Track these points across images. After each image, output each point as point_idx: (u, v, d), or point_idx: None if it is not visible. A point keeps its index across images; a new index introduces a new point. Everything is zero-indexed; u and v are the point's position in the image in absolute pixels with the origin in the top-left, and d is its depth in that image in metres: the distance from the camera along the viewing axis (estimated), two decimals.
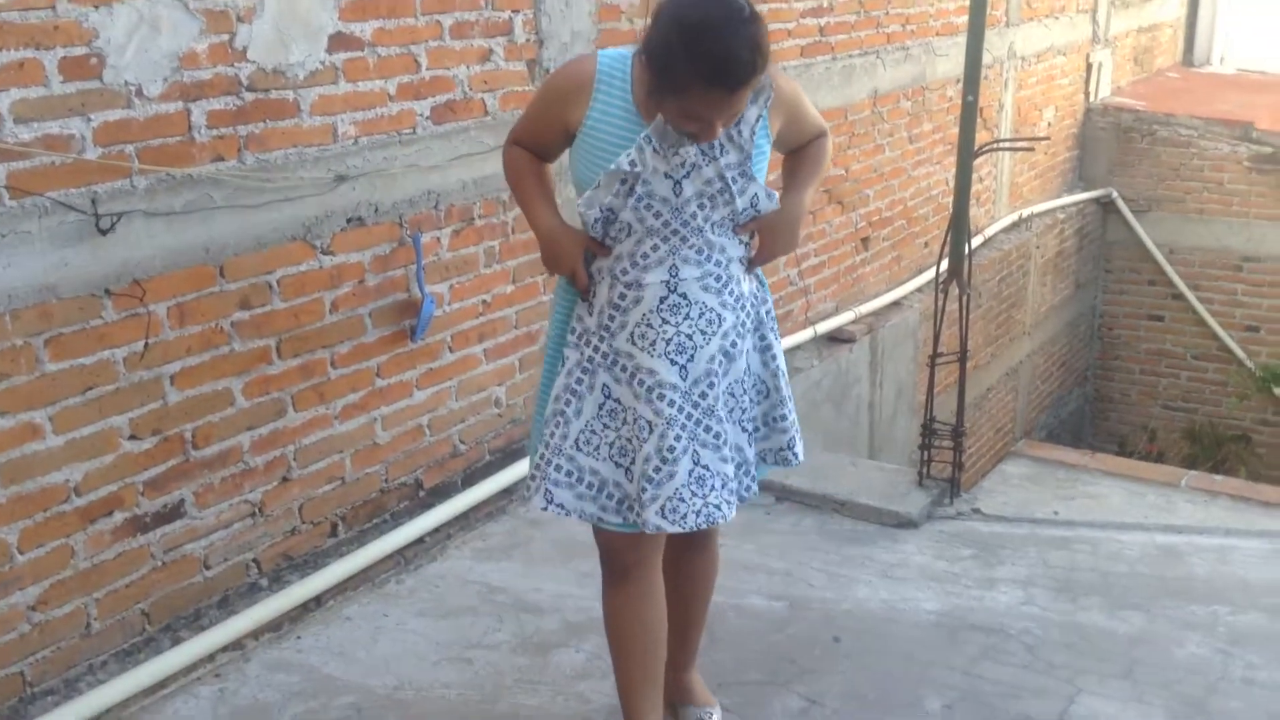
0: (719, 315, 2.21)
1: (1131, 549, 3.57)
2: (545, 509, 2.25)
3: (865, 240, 5.84)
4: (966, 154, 3.75)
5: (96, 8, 2.54)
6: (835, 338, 5.47)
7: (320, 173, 3.07)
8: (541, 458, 2.25)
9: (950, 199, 6.49)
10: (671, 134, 2.09)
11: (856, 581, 3.32)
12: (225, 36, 2.80)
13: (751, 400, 2.33)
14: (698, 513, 2.20)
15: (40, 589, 2.63)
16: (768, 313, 2.37)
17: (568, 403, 2.23)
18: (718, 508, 2.22)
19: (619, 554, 2.31)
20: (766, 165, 2.24)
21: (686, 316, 2.18)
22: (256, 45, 2.87)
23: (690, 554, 2.49)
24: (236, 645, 2.90)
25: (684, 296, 2.18)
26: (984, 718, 2.69)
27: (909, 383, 6.04)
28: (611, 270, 2.20)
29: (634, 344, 2.19)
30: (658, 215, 2.14)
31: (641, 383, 2.19)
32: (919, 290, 6.16)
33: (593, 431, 2.23)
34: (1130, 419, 8.64)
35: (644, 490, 2.19)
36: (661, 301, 2.17)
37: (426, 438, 3.54)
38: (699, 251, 2.18)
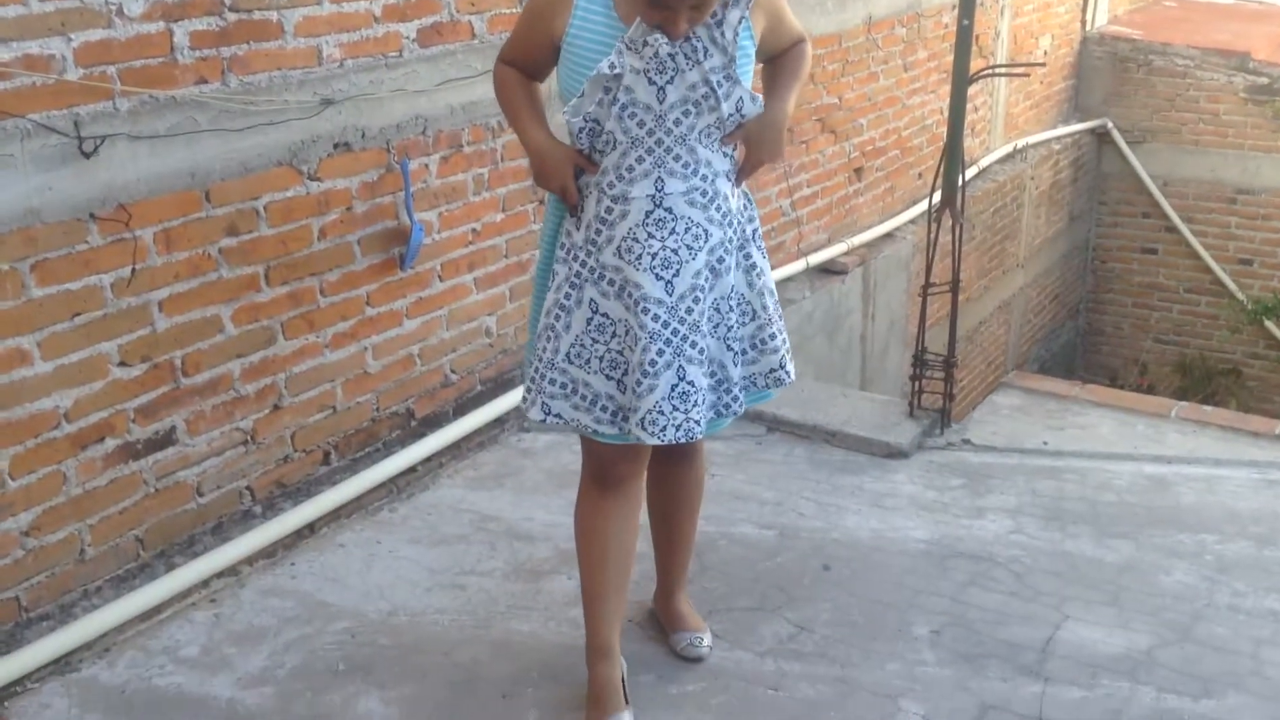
0: (705, 230, 2.21)
1: (1120, 478, 3.59)
2: (544, 420, 2.28)
3: (858, 171, 5.79)
4: (961, 80, 3.70)
5: None
6: (828, 269, 5.45)
7: (305, 96, 3.02)
8: (536, 371, 2.28)
9: (945, 129, 6.45)
10: (645, 29, 2.07)
11: (846, 511, 3.34)
12: None
13: (739, 320, 2.33)
14: (678, 427, 2.21)
15: (32, 515, 2.63)
16: (754, 231, 2.36)
17: (557, 317, 2.24)
18: (697, 423, 2.23)
19: (612, 465, 2.34)
20: (751, 69, 2.22)
21: (672, 231, 2.18)
22: None
23: (675, 468, 2.51)
24: (231, 571, 2.91)
25: (669, 211, 2.17)
26: (971, 643, 2.72)
27: (901, 315, 6.04)
28: (598, 184, 2.19)
29: (621, 258, 2.19)
30: (641, 124, 2.13)
31: (630, 294, 2.19)
32: (912, 222, 6.12)
33: (582, 345, 2.24)
34: (1122, 352, 8.66)
35: (631, 401, 2.21)
36: (647, 216, 2.17)
37: (417, 367, 3.53)
38: (685, 165, 2.17)
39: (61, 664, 2.59)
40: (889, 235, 5.96)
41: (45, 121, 2.49)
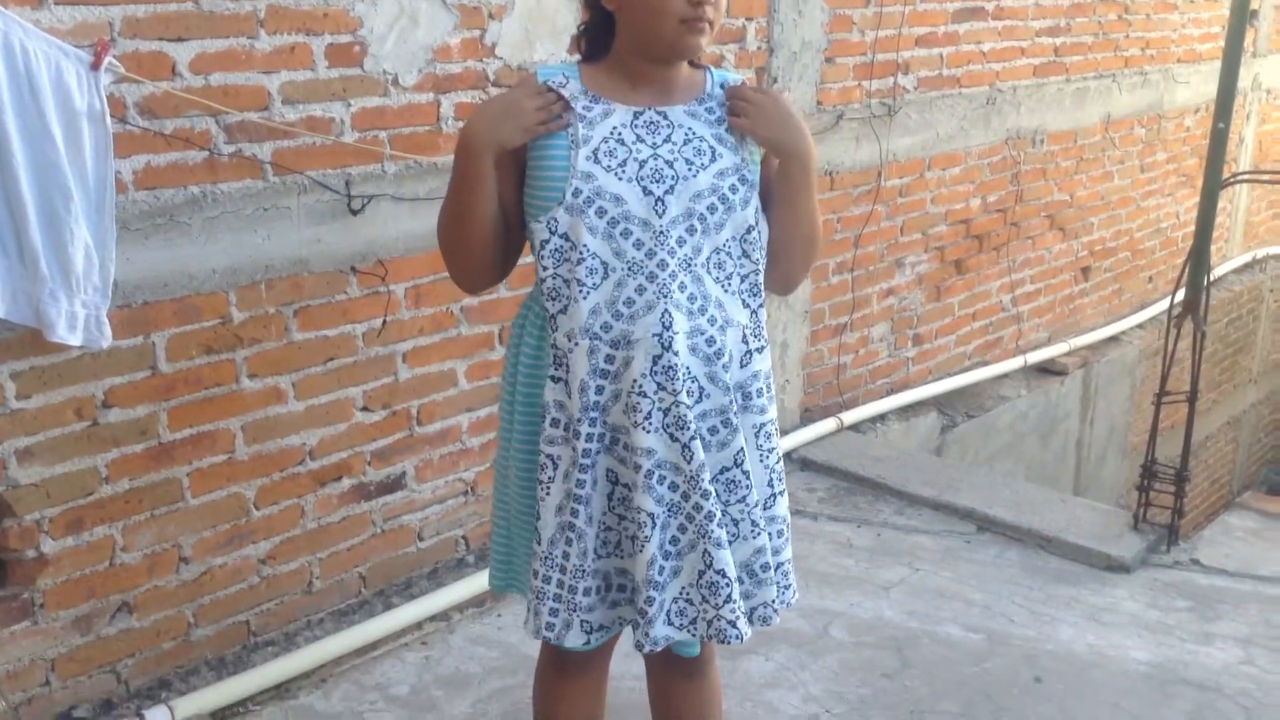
0: (701, 389, 1.85)
1: None
2: (587, 644, 1.89)
3: (1085, 270, 5.62)
4: (1213, 183, 3.55)
5: None
6: (1046, 369, 5.28)
7: None
8: (560, 585, 1.85)
9: (1181, 233, 6.20)
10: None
11: (1061, 622, 3.19)
12: (477, 32, 2.92)
13: (754, 499, 1.89)
14: (709, 622, 1.83)
15: (270, 544, 2.79)
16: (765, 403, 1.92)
17: (574, 512, 1.82)
18: (732, 624, 1.82)
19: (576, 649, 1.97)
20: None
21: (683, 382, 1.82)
22: (505, 42, 2.98)
23: (679, 682, 2.07)
24: (443, 616, 3.01)
25: (678, 355, 1.82)
26: None
27: (1122, 422, 5.78)
28: (588, 330, 1.81)
29: (627, 416, 1.81)
30: (639, 244, 1.82)
31: (637, 463, 1.80)
32: (1140, 326, 5.89)
33: (608, 529, 1.86)
34: None
35: (650, 600, 1.81)
36: (655, 362, 1.80)
37: None
38: (690, 298, 1.83)
39: (281, 690, 2.72)
40: (1114, 339, 5.73)
41: (320, 179, 2.70)
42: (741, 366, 1.87)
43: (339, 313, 2.79)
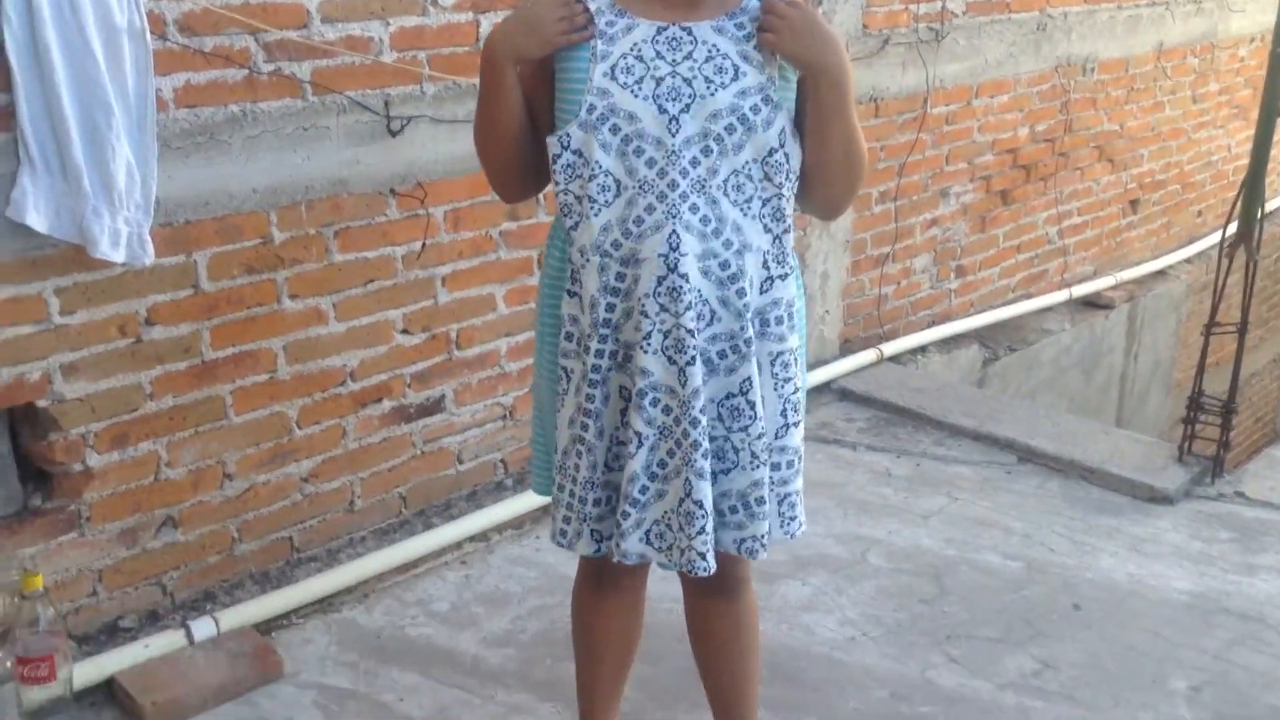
0: (712, 313, 1.83)
1: None
2: (597, 551, 1.92)
3: (1134, 203, 5.51)
4: (1270, 108, 3.45)
5: None
6: (1091, 303, 5.21)
7: None
8: (571, 495, 1.88)
9: (1232, 166, 6.06)
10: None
11: (1102, 551, 3.17)
12: None
13: (762, 424, 1.86)
14: (682, 551, 1.83)
15: (313, 463, 2.83)
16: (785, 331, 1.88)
17: (584, 426, 1.83)
18: (701, 556, 1.82)
19: (612, 565, 1.95)
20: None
21: (688, 306, 1.79)
22: None
23: (708, 603, 2.06)
24: (482, 537, 3.04)
25: (685, 278, 1.79)
26: (1234, 704, 2.53)
27: (1168, 357, 5.70)
28: (599, 247, 1.80)
29: (634, 334, 1.81)
30: (651, 163, 1.80)
31: (634, 380, 1.81)
32: (1188, 261, 5.78)
33: (621, 443, 1.86)
34: None
35: (626, 515, 1.84)
36: (659, 283, 1.79)
37: None
38: (703, 220, 1.80)
39: (324, 604, 2.76)
40: (1161, 273, 5.64)
41: (359, 99, 2.68)
42: (762, 292, 1.84)
43: (378, 235, 2.79)
